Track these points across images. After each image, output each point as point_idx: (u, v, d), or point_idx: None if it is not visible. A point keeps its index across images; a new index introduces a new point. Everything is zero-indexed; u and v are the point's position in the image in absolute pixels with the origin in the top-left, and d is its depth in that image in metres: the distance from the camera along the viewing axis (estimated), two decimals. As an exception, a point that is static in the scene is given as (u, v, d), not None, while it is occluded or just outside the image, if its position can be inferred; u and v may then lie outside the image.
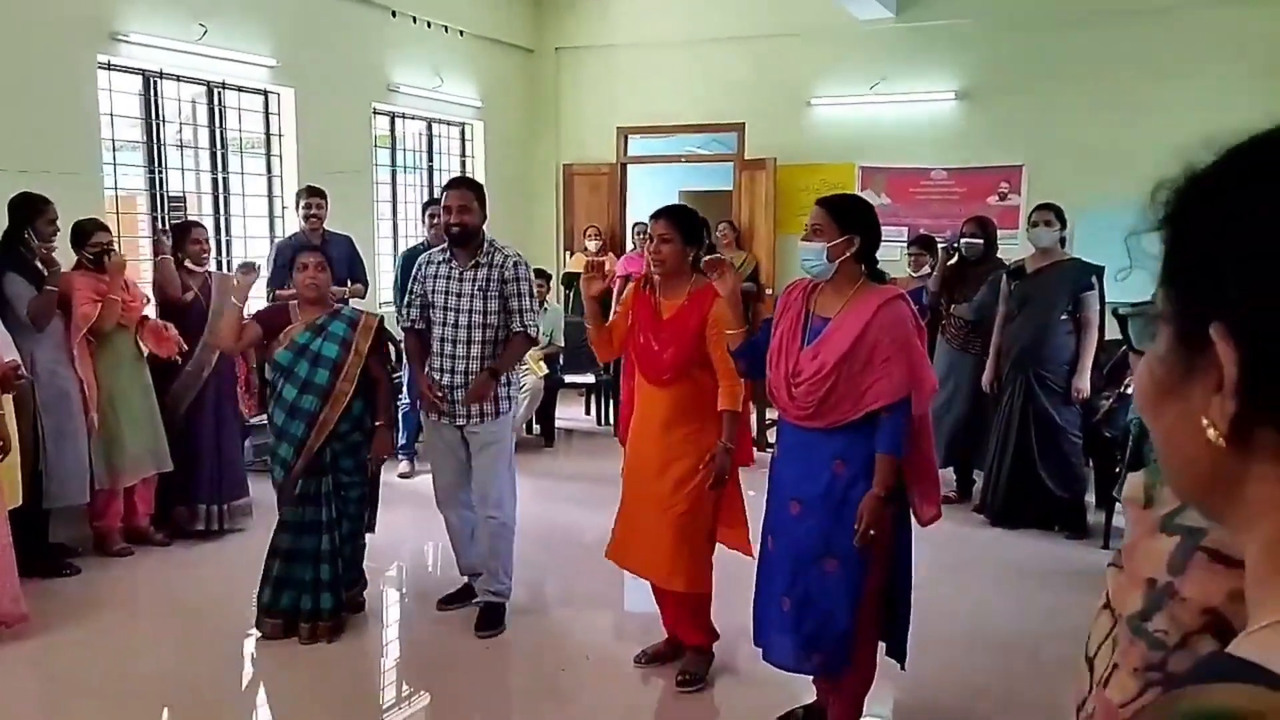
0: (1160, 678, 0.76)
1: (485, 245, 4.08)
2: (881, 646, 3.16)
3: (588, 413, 8.23)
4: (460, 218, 4.00)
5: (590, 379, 7.80)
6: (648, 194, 10.24)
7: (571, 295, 8.61)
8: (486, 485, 4.13)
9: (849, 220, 2.98)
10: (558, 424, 7.64)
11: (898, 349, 2.89)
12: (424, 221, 6.81)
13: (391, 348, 7.49)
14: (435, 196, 7.60)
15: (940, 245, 6.35)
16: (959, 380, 5.69)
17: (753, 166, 8.87)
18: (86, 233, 4.84)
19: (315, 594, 3.98)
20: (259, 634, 4.02)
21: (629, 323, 3.64)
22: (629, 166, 9.57)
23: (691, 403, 3.48)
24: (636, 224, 8.38)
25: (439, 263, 4.13)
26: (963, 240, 5.81)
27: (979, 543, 5.24)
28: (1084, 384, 5.22)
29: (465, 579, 4.33)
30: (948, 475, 6.05)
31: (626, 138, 9.40)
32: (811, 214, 3.04)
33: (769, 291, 8.32)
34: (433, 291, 4.10)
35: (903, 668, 3.18)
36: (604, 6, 9.37)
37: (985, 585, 4.71)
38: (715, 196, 9.80)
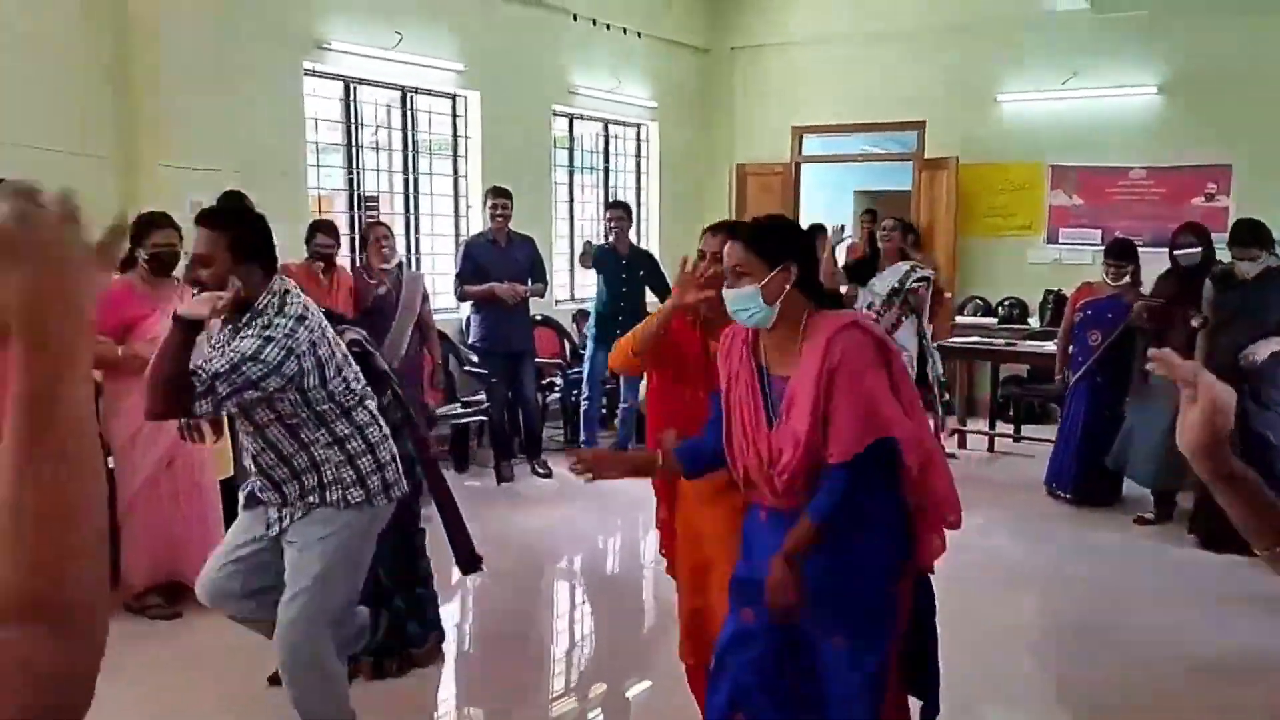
0: None
1: None
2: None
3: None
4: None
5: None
6: (820, 194, 10.11)
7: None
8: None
9: (774, 248, 2.35)
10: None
11: (846, 391, 2.25)
12: (606, 224, 6.85)
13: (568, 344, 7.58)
14: (613, 200, 7.70)
15: (1141, 246, 5.96)
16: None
17: (933, 166, 8.59)
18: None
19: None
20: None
21: (663, 353, 2.89)
22: (803, 166, 9.45)
23: None
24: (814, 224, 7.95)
25: None
26: (1178, 251, 5.41)
27: (1184, 565, 4.90)
28: None
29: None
30: (1146, 496, 5.69)
31: (801, 137, 9.28)
32: (725, 253, 2.40)
33: (948, 295, 8.01)
34: None
35: None
36: (780, 4, 9.27)
37: (1192, 610, 4.40)
38: (892, 197, 9.54)
